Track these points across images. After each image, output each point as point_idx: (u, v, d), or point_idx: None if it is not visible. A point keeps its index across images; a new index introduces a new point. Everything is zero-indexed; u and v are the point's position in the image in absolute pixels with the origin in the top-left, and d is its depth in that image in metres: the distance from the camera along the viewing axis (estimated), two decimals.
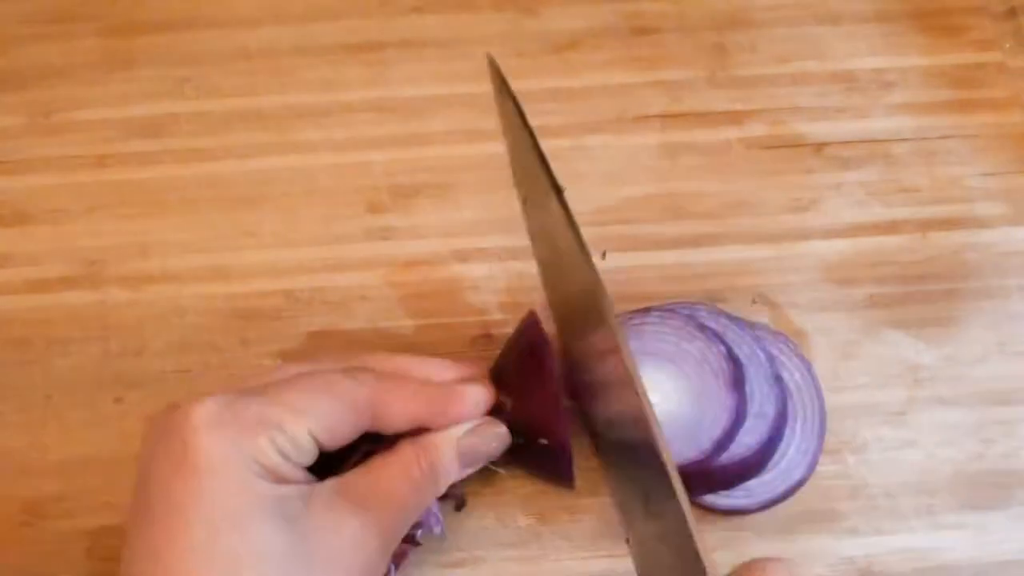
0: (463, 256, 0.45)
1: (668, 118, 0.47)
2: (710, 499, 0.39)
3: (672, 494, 0.29)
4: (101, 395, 0.42)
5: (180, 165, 0.46)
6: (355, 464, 0.35)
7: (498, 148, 0.44)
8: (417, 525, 0.36)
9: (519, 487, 0.40)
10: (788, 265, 0.44)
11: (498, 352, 0.40)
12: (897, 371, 0.42)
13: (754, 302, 0.44)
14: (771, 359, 0.40)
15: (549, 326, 0.40)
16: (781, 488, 0.39)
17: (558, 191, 0.35)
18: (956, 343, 0.43)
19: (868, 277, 0.44)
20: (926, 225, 0.45)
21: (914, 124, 0.47)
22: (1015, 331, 0.43)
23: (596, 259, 0.44)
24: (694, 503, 0.36)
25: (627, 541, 0.35)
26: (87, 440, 0.41)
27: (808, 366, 0.41)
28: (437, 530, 0.38)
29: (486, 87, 0.41)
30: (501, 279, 0.44)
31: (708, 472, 0.38)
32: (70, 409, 0.42)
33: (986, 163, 0.47)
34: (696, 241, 0.45)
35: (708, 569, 0.27)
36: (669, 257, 0.45)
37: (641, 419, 0.30)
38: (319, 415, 0.32)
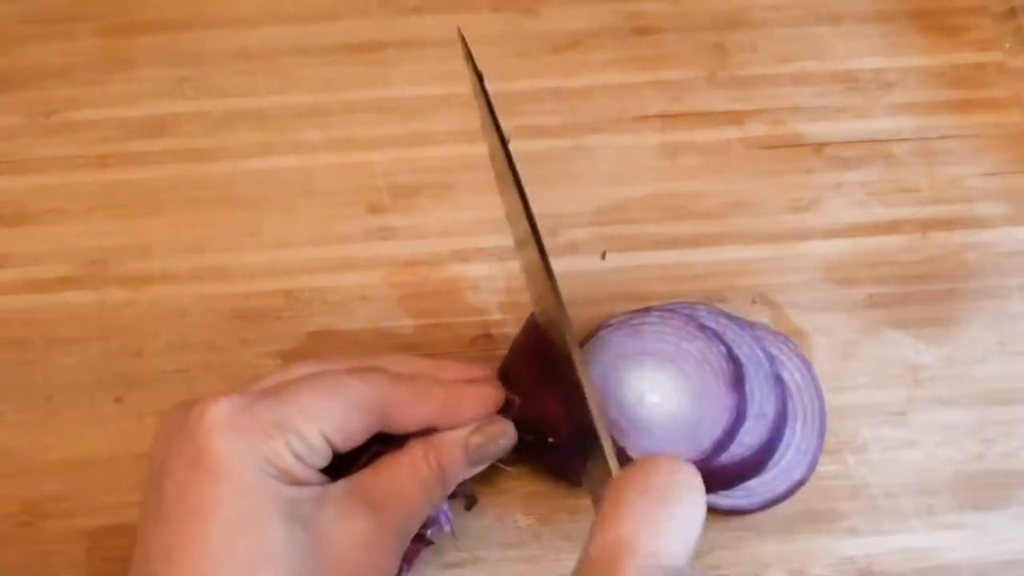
0: (463, 256, 0.45)
1: (668, 118, 0.47)
2: (710, 499, 0.39)
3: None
4: (101, 395, 0.42)
5: (180, 165, 0.46)
6: (365, 464, 0.35)
7: None
8: (427, 524, 0.37)
9: (519, 487, 0.40)
10: (788, 265, 0.44)
11: (498, 352, 0.40)
12: (897, 371, 0.42)
13: (754, 302, 0.44)
14: (771, 359, 0.40)
15: None
16: (781, 488, 0.39)
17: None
18: (956, 343, 0.43)
19: (868, 277, 0.44)
20: (926, 225, 0.45)
21: (914, 124, 0.47)
22: (1015, 331, 0.43)
23: (596, 259, 0.44)
24: None
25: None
26: (87, 440, 0.41)
27: (808, 366, 0.41)
28: (447, 528, 0.38)
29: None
30: (501, 279, 0.44)
31: (708, 472, 0.37)
32: (70, 409, 0.42)
33: (986, 163, 0.47)
34: (696, 241, 0.45)
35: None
36: (669, 257, 0.45)
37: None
38: (332, 417, 0.32)
